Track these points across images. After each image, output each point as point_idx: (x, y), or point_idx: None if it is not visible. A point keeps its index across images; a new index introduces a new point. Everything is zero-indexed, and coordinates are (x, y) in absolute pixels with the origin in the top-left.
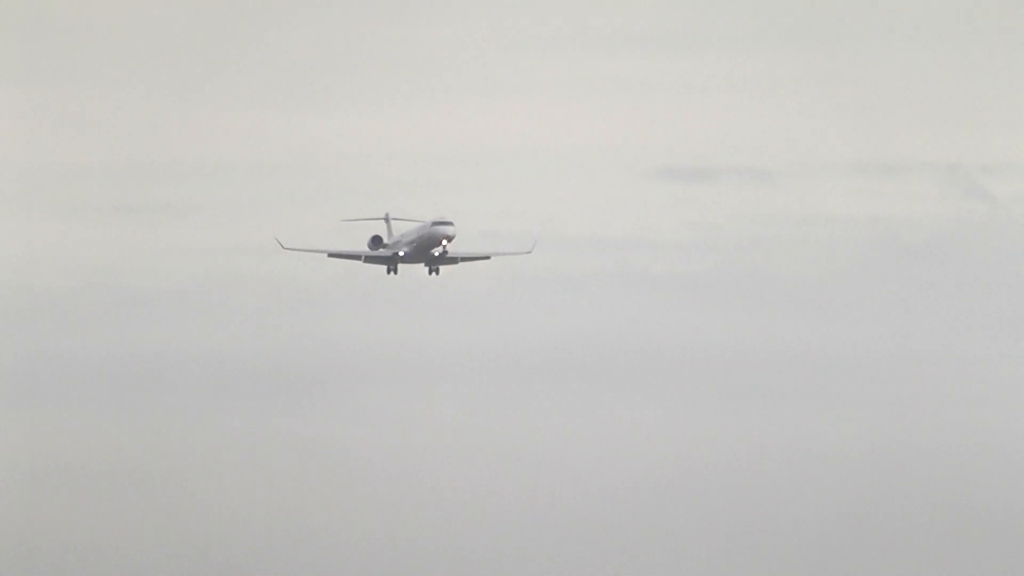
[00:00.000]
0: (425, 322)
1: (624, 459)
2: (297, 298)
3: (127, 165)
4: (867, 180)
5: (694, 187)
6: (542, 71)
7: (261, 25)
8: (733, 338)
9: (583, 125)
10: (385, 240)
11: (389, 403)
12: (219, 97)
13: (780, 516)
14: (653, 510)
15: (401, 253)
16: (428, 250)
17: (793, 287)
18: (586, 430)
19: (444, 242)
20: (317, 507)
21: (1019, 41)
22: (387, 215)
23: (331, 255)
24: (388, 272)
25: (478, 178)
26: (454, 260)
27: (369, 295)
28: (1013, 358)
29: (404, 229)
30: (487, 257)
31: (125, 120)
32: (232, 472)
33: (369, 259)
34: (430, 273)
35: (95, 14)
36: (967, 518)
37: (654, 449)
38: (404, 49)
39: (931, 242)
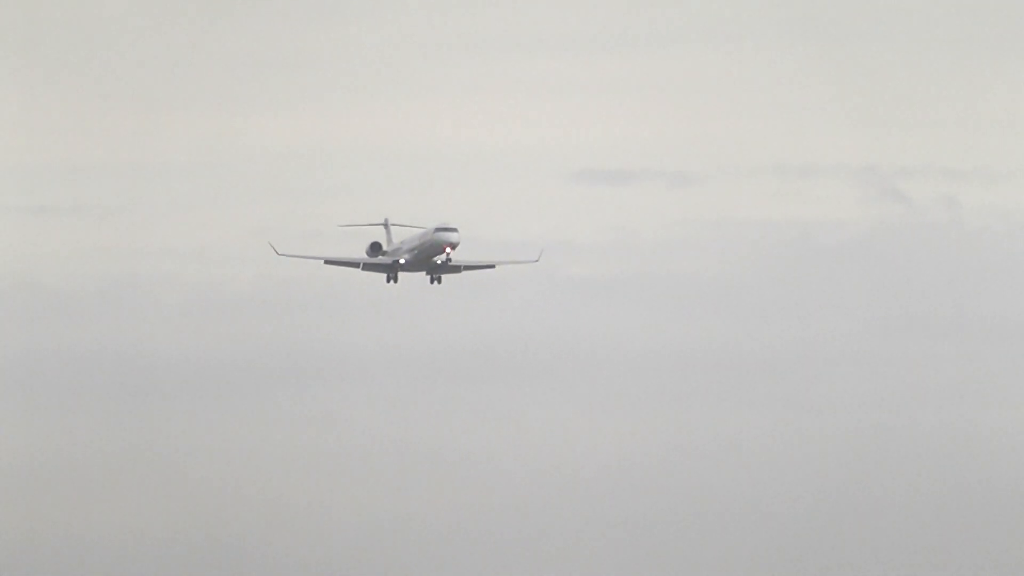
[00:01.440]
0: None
1: (533, 458)
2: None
3: (43, 164)
4: (784, 182)
5: (613, 189)
6: (461, 74)
7: (182, 26)
8: (651, 340)
9: (502, 127)
10: (384, 247)
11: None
12: (149, 97)
13: (692, 513)
14: (569, 508)
15: (401, 261)
16: (430, 258)
17: (711, 289)
18: (498, 429)
19: (448, 249)
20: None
21: (933, 44)
22: (386, 220)
23: (328, 262)
24: (388, 280)
25: (398, 179)
26: (457, 268)
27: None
28: (928, 359)
29: (404, 236)
30: (492, 266)
31: (50, 120)
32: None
33: (368, 267)
34: (432, 282)
35: (19, 15)
36: (880, 517)
37: (565, 448)
38: (326, 51)
39: (847, 244)
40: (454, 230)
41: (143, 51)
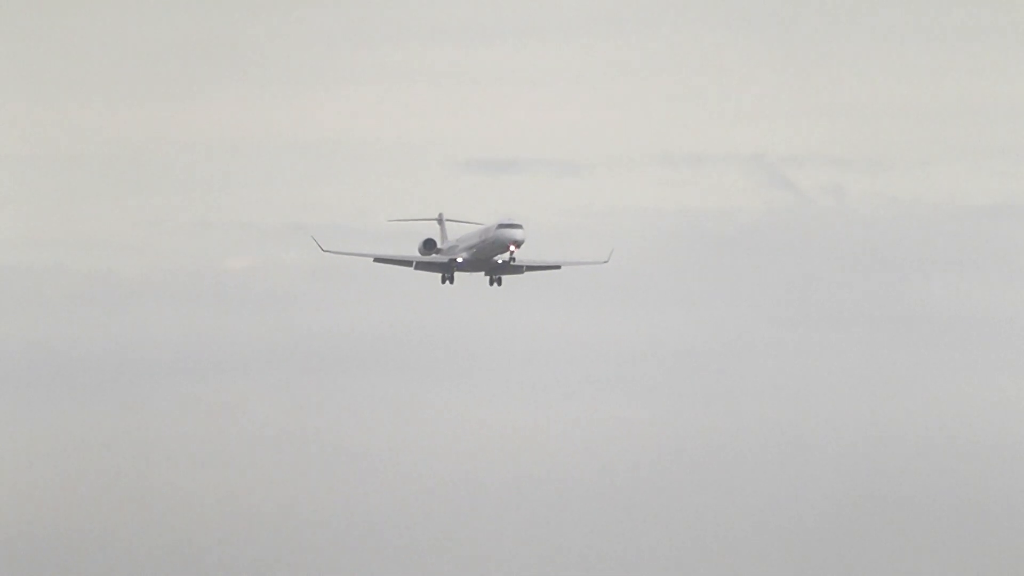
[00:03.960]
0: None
1: (431, 451)
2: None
3: None
4: (673, 171)
5: (501, 178)
6: (349, 65)
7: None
8: (540, 329)
9: (390, 117)
10: (439, 244)
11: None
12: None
13: (585, 500)
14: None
15: (459, 259)
16: (491, 256)
17: (600, 277)
18: (402, 422)
19: (512, 248)
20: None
21: (818, 34)
22: (440, 215)
23: (378, 260)
24: (443, 281)
25: (286, 170)
26: (519, 269)
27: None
28: (816, 345)
29: (460, 233)
30: (557, 267)
31: None
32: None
33: (421, 266)
34: (491, 283)
35: None
36: (782, 503)
37: (461, 440)
38: (214, 45)
39: (737, 232)
40: (519, 226)
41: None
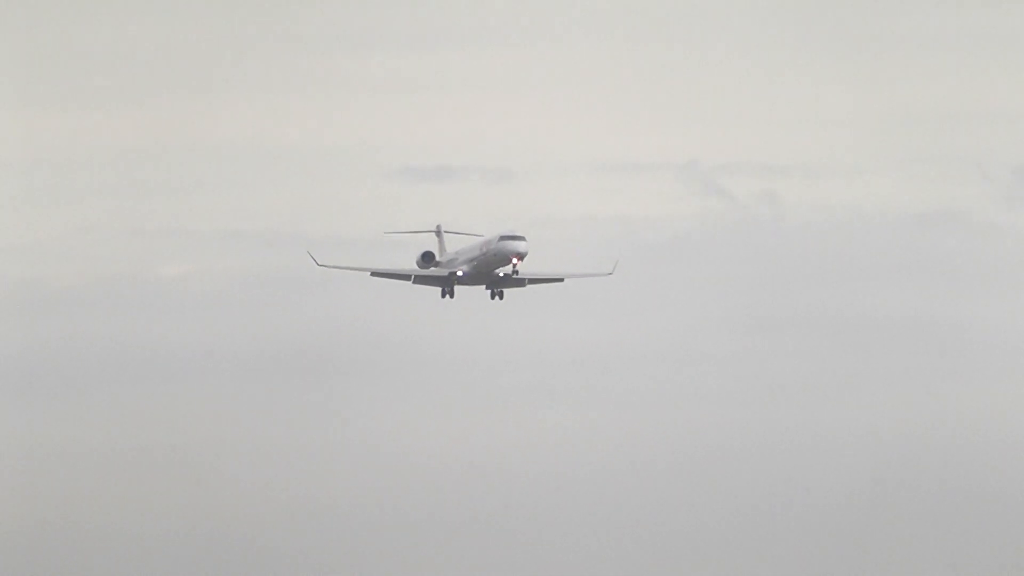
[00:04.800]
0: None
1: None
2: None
3: None
4: (607, 179)
5: (435, 186)
6: (283, 70)
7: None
8: (472, 337)
9: (325, 125)
10: (437, 257)
11: None
12: None
13: (493, 506)
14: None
15: (459, 272)
16: (493, 269)
17: (534, 286)
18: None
19: (515, 260)
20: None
21: (752, 43)
22: (439, 227)
23: (375, 274)
24: (443, 295)
25: (218, 177)
26: (522, 282)
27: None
28: (751, 354)
29: (459, 245)
30: (560, 279)
31: None
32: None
33: (420, 279)
34: (492, 297)
35: None
36: (714, 514)
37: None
38: (142, 50)
39: (671, 239)
40: (522, 238)
41: None
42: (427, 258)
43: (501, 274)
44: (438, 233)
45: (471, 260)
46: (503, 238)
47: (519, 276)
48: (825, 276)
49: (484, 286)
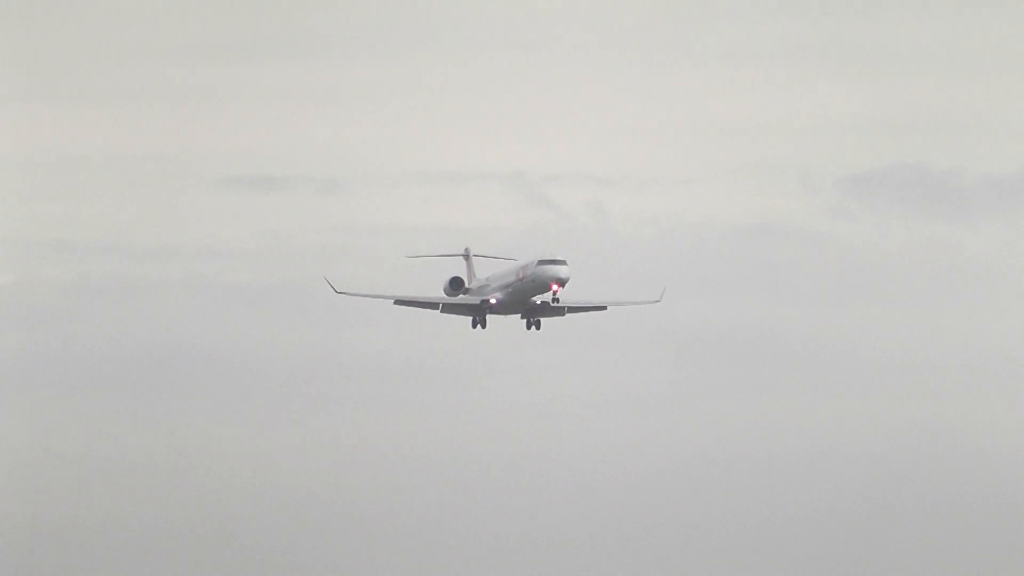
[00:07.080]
0: None
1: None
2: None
3: None
4: (433, 189)
5: (261, 196)
6: (105, 80)
7: None
8: (305, 347)
9: (148, 133)
10: (467, 283)
11: None
12: None
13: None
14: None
15: (492, 300)
16: (530, 296)
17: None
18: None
19: (555, 287)
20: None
21: (578, 52)
22: (467, 251)
23: (399, 302)
24: (474, 325)
25: (38, 186)
26: (561, 310)
27: None
28: (572, 366)
29: (491, 271)
30: (603, 307)
31: None
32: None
33: (448, 308)
34: (528, 327)
35: None
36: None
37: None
38: None
39: (497, 250)
40: (563, 263)
41: None
42: (455, 284)
43: (539, 302)
44: (467, 257)
45: (505, 287)
46: (542, 262)
47: (559, 304)
48: (651, 286)
49: (519, 315)
